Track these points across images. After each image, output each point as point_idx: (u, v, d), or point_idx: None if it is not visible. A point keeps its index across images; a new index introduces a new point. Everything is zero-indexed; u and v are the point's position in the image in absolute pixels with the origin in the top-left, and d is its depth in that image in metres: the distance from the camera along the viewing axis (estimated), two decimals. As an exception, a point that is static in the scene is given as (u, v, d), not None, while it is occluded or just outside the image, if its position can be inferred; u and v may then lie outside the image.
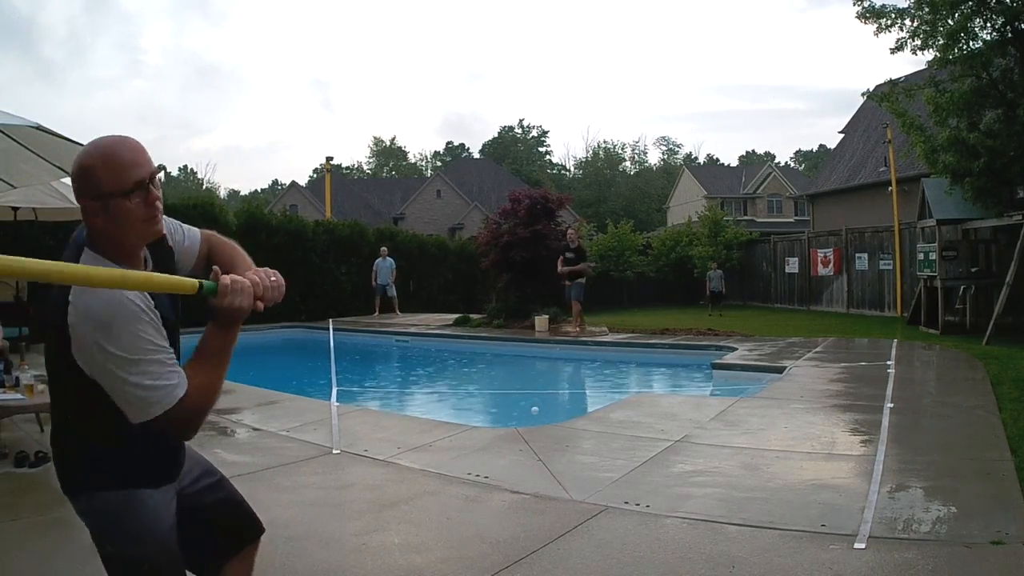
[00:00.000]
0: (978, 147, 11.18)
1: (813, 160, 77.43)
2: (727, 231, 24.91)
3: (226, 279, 1.51)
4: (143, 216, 1.53)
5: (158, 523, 1.66)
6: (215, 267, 1.58)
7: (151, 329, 1.50)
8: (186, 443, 1.92)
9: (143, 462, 1.66)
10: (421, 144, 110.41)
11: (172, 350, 1.55)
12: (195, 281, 1.45)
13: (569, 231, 13.68)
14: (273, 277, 1.62)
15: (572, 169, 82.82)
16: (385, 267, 16.80)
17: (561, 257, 12.65)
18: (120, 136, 1.56)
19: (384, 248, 17.14)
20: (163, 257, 1.71)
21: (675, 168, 71.72)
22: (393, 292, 16.88)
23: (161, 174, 1.61)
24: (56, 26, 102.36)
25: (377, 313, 16.71)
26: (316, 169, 72.19)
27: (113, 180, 1.49)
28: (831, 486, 4.00)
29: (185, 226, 1.89)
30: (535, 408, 6.92)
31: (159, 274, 1.45)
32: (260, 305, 1.57)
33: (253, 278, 1.56)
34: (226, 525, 1.92)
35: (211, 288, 1.49)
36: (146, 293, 1.49)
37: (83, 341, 1.46)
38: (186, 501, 1.80)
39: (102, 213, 1.51)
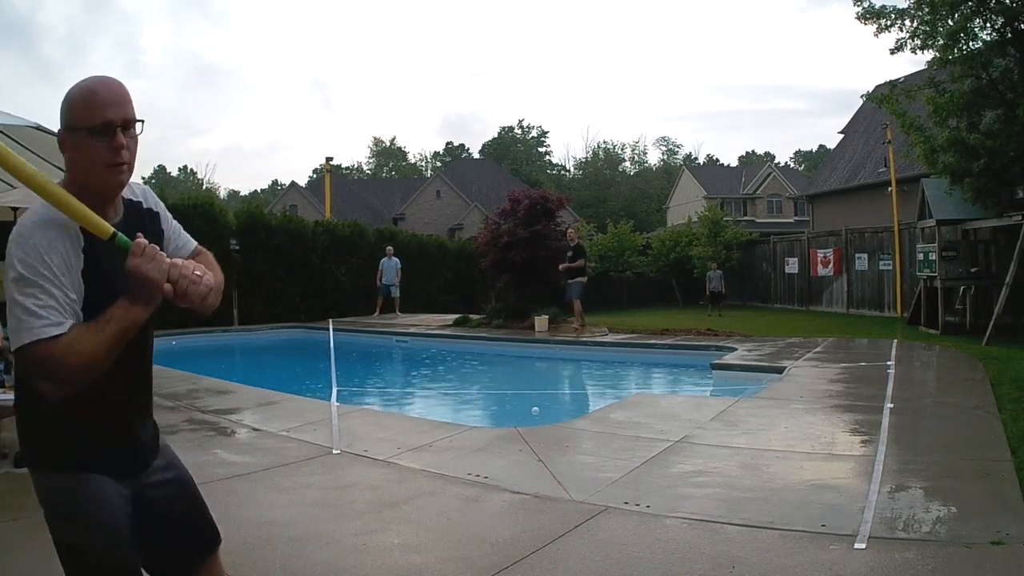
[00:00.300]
0: (978, 148, 11.19)
1: (813, 160, 77.44)
2: (727, 231, 24.93)
3: (143, 241, 1.46)
4: (104, 159, 1.52)
5: (108, 513, 1.62)
6: (139, 233, 1.52)
7: (62, 264, 1.46)
8: (166, 445, 1.91)
9: (94, 445, 1.62)
10: (421, 144, 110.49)
11: (75, 296, 1.47)
12: (112, 229, 1.47)
13: (569, 230, 13.71)
14: (198, 272, 1.53)
15: (572, 169, 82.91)
16: (391, 267, 16.75)
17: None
18: (107, 77, 1.56)
19: (390, 248, 17.09)
20: (144, 229, 1.65)
21: (675, 168, 71.74)
22: (397, 292, 16.83)
23: (140, 127, 1.58)
24: (55, 25, 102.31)
25: (377, 313, 16.68)
26: (316, 169, 72.20)
27: (84, 115, 1.50)
28: (831, 486, 4.00)
29: (187, 234, 1.92)
30: (535, 408, 6.92)
31: (87, 208, 1.46)
32: (169, 288, 1.47)
33: (176, 261, 1.50)
34: (182, 534, 1.85)
35: (124, 242, 1.46)
36: (81, 244, 1.50)
37: (7, 255, 1.46)
38: (147, 502, 1.75)
39: (70, 147, 1.53)
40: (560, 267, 12.76)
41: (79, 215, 1.45)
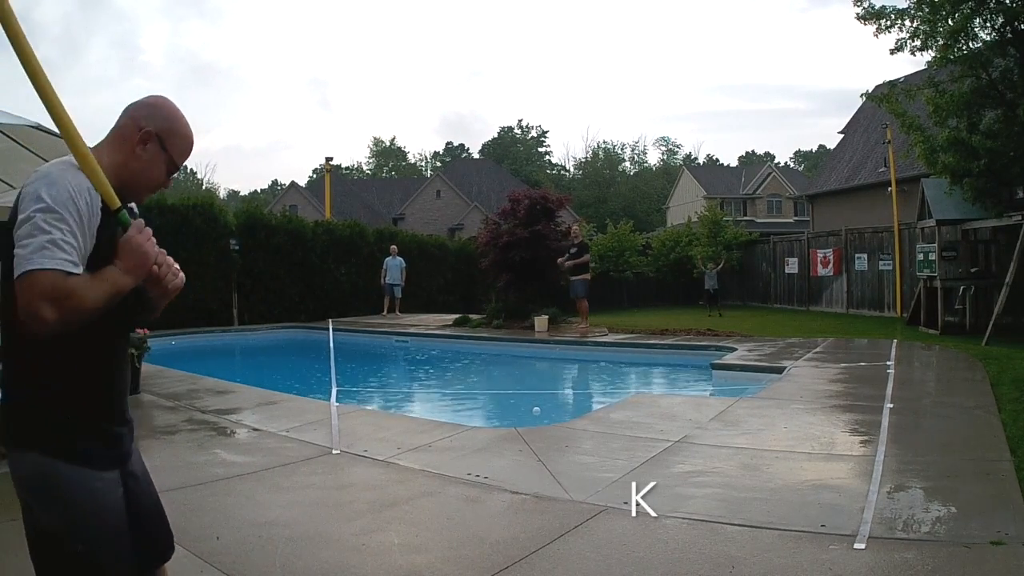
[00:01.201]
0: (978, 148, 11.20)
1: (813, 160, 77.48)
2: (727, 231, 24.94)
3: (142, 222, 1.62)
4: (156, 184, 1.77)
5: (110, 501, 1.63)
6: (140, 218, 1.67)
7: (85, 212, 1.53)
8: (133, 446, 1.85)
9: (95, 426, 1.65)
10: (421, 144, 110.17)
11: (86, 247, 1.53)
12: (119, 203, 1.60)
13: (573, 227, 13.65)
14: (176, 267, 1.71)
15: (572, 169, 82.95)
16: (395, 265, 16.73)
17: (567, 255, 12.67)
18: (191, 128, 1.82)
19: (394, 247, 17.07)
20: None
21: (675, 168, 71.80)
22: (400, 293, 16.79)
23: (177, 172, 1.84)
24: (50, 24, 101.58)
25: (385, 312, 16.68)
26: (316, 169, 72.29)
27: (176, 147, 1.75)
28: (831, 486, 4.00)
29: None
30: (536, 408, 6.93)
31: (104, 176, 1.58)
32: (156, 269, 1.63)
33: (161, 251, 1.66)
34: (144, 536, 1.78)
35: (125, 219, 1.60)
36: (99, 204, 1.57)
37: (28, 191, 1.52)
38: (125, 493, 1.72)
39: (147, 150, 1.70)
40: (565, 262, 12.63)
41: (97, 179, 1.56)
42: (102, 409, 1.68)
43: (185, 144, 1.78)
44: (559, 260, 12.78)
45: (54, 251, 1.45)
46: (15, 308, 1.48)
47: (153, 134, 1.70)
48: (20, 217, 1.50)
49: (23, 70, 1.49)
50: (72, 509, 1.60)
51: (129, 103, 1.78)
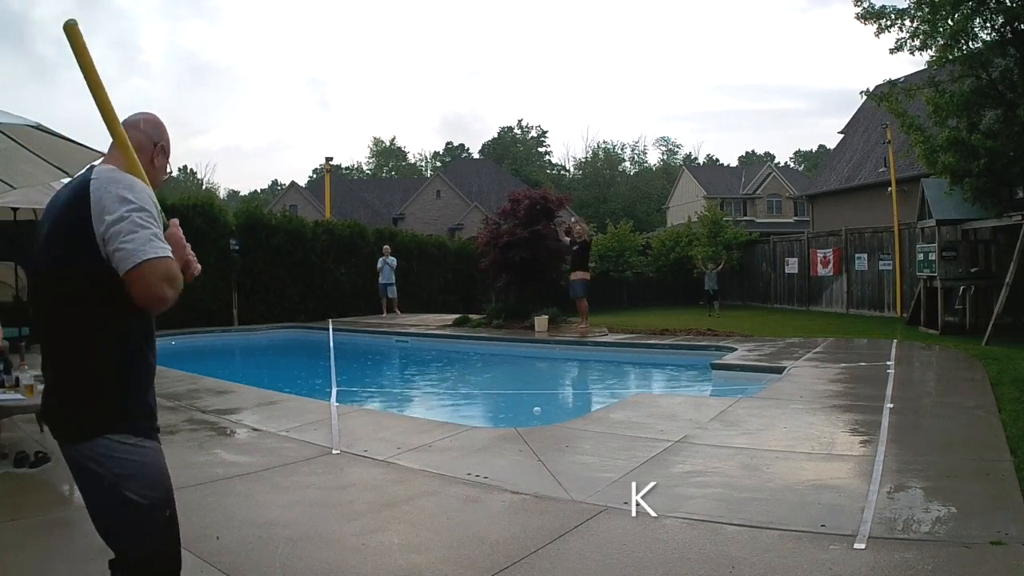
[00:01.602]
0: (978, 148, 11.20)
1: (813, 160, 77.47)
2: (727, 231, 24.95)
3: (176, 220, 2.02)
4: (158, 185, 2.05)
5: (166, 473, 1.93)
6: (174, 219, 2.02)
7: (158, 209, 1.84)
8: None
9: (153, 410, 1.93)
10: (421, 144, 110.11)
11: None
12: (159, 206, 1.88)
13: (576, 226, 13.30)
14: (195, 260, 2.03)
15: (572, 169, 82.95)
16: (387, 266, 16.80)
17: (568, 240, 12.68)
18: None
19: (387, 247, 17.13)
20: None
21: (675, 168, 71.81)
22: (394, 293, 16.86)
23: None
24: (48, 23, 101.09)
25: (385, 312, 16.71)
26: (316, 169, 72.30)
27: (169, 155, 2.13)
28: (831, 486, 4.00)
29: None
30: (537, 408, 6.92)
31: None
32: (189, 257, 1.96)
33: (187, 243, 2.00)
34: None
35: (164, 218, 1.88)
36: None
37: (107, 194, 1.75)
38: None
39: (156, 159, 2.06)
40: (564, 238, 12.60)
41: (149, 186, 1.88)
42: (146, 387, 1.91)
43: (168, 140, 2.14)
44: (574, 230, 12.74)
45: (159, 243, 1.75)
46: (64, 256, 1.76)
47: (162, 146, 2.08)
48: (109, 217, 1.72)
49: (86, 84, 1.77)
50: (157, 479, 1.87)
51: (127, 119, 2.03)
